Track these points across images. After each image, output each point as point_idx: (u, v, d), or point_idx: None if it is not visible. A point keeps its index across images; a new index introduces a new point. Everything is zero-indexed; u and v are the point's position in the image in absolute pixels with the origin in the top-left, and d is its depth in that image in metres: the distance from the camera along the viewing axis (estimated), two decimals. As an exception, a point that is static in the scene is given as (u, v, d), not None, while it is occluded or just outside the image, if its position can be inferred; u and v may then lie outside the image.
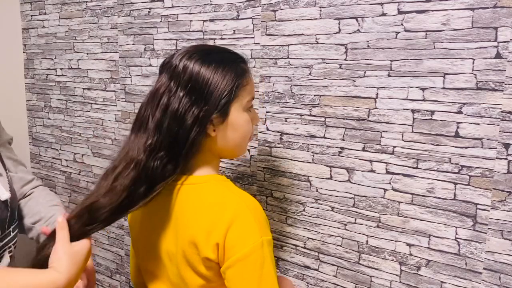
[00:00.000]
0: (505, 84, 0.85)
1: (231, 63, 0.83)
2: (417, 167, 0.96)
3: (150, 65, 1.40)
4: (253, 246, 0.75)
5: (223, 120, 0.82)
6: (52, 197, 1.07)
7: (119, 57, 1.48)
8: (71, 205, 1.74)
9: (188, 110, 0.80)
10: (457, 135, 0.91)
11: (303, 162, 1.12)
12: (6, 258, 0.94)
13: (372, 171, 1.02)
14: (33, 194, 1.06)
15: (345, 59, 1.02)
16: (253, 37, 1.16)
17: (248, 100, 0.85)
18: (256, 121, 0.90)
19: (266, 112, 1.16)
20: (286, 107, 1.13)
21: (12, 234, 0.94)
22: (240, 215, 0.77)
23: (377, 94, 0.99)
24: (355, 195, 1.05)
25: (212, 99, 0.80)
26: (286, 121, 1.13)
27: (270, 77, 1.14)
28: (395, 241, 1.01)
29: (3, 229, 0.91)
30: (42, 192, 1.08)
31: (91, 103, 1.61)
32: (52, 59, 1.70)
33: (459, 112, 0.90)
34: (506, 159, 0.86)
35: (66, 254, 0.77)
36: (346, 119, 1.04)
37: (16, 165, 1.06)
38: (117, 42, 1.48)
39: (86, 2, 1.55)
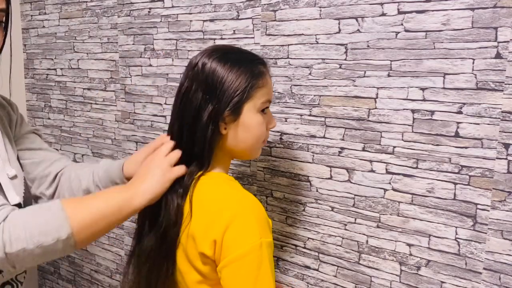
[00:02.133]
0: (505, 84, 0.85)
1: (248, 63, 0.84)
2: (417, 167, 0.96)
3: (150, 65, 1.40)
4: (251, 246, 0.74)
5: (235, 119, 0.83)
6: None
7: (119, 57, 1.48)
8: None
9: (203, 108, 0.82)
10: (457, 135, 0.91)
11: (303, 162, 1.12)
12: None
13: (372, 171, 1.02)
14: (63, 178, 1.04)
15: (345, 59, 1.02)
16: (253, 37, 1.16)
17: (263, 102, 0.85)
18: (271, 124, 0.90)
19: (266, 112, 1.16)
20: (286, 107, 1.13)
21: None
22: (241, 214, 0.77)
23: (377, 94, 0.99)
24: (355, 195, 1.05)
25: (225, 97, 0.81)
26: (286, 121, 1.13)
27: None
28: (395, 241, 1.01)
29: None
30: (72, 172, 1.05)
31: (91, 103, 1.61)
32: (52, 59, 1.70)
33: (459, 112, 0.90)
34: (506, 159, 0.86)
35: (158, 168, 0.84)
36: (346, 119, 1.04)
37: (39, 151, 1.05)
38: (117, 42, 1.48)
39: (86, 2, 1.55)
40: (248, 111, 0.83)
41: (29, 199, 0.95)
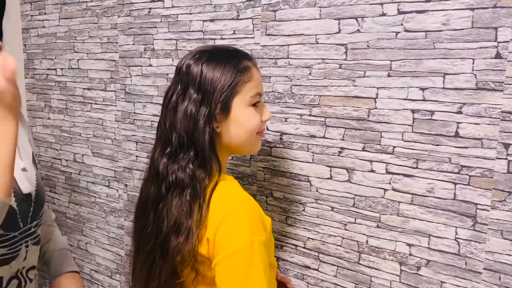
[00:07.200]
0: (505, 84, 0.85)
1: (232, 60, 0.85)
2: (417, 167, 0.96)
3: (150, 65, 1.40)
4: (242, 244, 0.75)
5: (226, 116, 0.84)
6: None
7: (119, 57, 1.48)
8: (71, 205, 1.75)
9: (197, 111, 0.82)
10: (457, 135, 0.91)
11: (303, 162, 1.12)
12: (23, 252, 0.94)
13: (372, 171, 1.02)
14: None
15: (345, 59, 1.02)
16: (253, 37, 1.16)
17: (252, 95, 0.85)
18: (265, 116, 0.90)
19: (266, 112, 1.16)
20: (286, 107, 1.13)
21: (33, 230, 0.94)
22: (232, 212, 0.77)
23: (377, 94, 0.99)
24: (355, 195, 1.05)
25: (213, 96, 0.82)
26: (286, 121, 1.13)
27: (270, 77, 1.14)
28: (395, 241, 1.01)
29: (24, 222, 0.91)
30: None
31: (91, 103, 1.61)
32: (52, 59, 1.70)
33: (459, 112, 0.90)
34: (506, 159, 0.86)
35: None
36: (346, 119, 1.04)
37: None
38: (117, 42, 1.48)
39: (86, 2, 1.55)
40: (237, 106, 0.84)
41: (41, 193, 0.96)
